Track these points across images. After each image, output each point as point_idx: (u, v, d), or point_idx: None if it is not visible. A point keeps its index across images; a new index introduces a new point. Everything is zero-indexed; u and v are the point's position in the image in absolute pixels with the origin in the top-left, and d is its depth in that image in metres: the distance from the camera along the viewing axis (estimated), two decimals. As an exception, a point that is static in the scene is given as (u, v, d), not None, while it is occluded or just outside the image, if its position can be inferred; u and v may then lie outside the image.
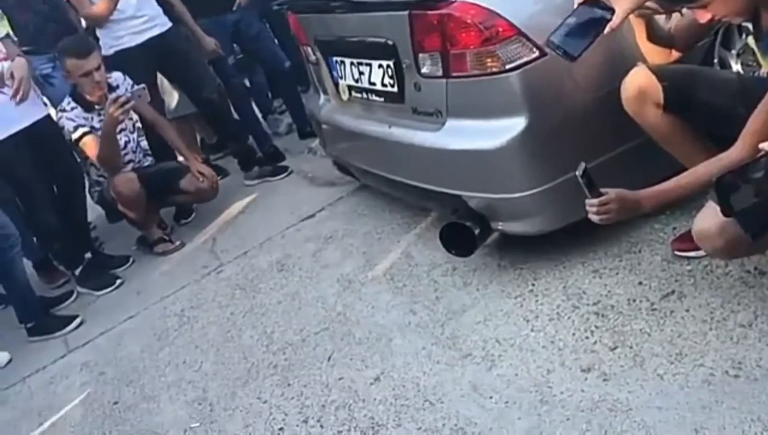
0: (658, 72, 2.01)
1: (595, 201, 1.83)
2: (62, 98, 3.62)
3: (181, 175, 3.80)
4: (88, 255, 3.64)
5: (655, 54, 2.09)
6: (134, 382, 2.72)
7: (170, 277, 3.45)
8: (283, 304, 2.85)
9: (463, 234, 2.45)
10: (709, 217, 1.65)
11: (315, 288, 2.87)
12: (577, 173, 1.80)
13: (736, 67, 2.50)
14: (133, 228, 3.82)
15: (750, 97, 1.91)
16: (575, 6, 1.81)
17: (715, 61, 2.42)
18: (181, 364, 2.71)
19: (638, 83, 2.02)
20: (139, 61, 3.75)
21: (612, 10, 1.74)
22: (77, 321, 3.31)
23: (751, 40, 1.91)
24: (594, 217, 1.87)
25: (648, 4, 1.88)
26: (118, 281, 3.55)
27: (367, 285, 2.76)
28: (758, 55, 1.87)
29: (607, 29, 1.76)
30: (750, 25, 1.85)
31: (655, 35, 2.06)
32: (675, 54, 2.08)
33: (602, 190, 1.83)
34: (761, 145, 1.21)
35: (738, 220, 1.60)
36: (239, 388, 2.45)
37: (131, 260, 3.74)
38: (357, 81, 2.81)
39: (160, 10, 3.87)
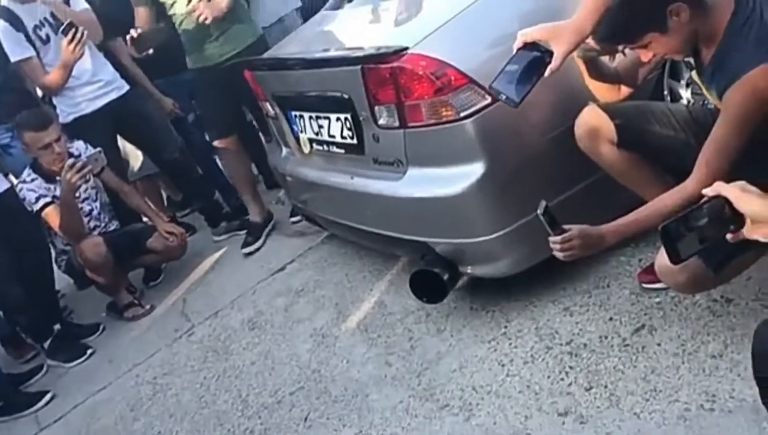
0: (610, 110, 2.04)
1: (558, 238, 1.83)
2: (22, 168, 3.58)
3: (148, 235, 3.78)
4: (57, 326, 3.56)
5: (604, 92, 2.12)
6: (109, 458, 2.66)
7: (141, 342, 3.39)
8: (256, 364, 2.80)
9: (432, 280, 2.45)
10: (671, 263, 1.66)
11: (288, 345, 2.83)
12: (538, 212, 1.81)
13: (686, 95, 2.55)
14: (102, 294, 3.75)
15: (700, 128, 1.95)
16: (515, 51, 1.82)
17: (666, 93, 2.46)
18: (157, 435, 2.66)
19: (590, 123, 2.05)
20: (97, 127, 3.73)
21: (551, 53, 1.76)
22: (48, 396, 3.22)
23: (694, 75, 1.95)
24: (558, 255, 1.87)
25: (589, 44, 1.92)
26: (89, 351, 3.47)
27: (341, 338, 2.74)
28: (703, 89, 1.91)
29: (547, 72, 1.77)
30: (692, 60, 1.89)
31: (600, 74, 2.09)
32: (624, 91, 2.11)
33: (565, 226, 1.84)
34: (704, 191, 1.22)
35: (699, 256, 1.61)
36: (216, 456, 2.40)
37: (101, 328, 3.67)
38: (317, 134, 2.82)
39: (116, 73, 3.86)
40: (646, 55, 1.80)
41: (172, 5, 3.52)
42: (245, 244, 3.76)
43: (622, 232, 1.87)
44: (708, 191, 1.21)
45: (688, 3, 1.67)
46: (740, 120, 1.67)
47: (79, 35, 3.45)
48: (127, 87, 3.89)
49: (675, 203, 1.73)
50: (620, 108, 2.08)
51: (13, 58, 3.59)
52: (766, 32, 1.64)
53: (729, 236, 1.22)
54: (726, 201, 1.20)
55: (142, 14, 3.74)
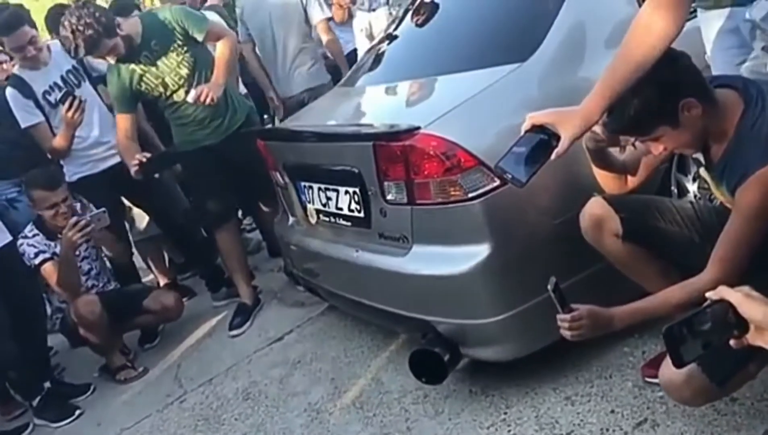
0: (615, 203, 2.05)
1: (567, 316, 1.82)
2: (26, 223, 3.59)
3: (145, 295, 3.76)
4: (48, 384, 3.49)
5: (611, 183, 2.13)
6: None
7: (132, 406, 3.32)
8: (248, 436, 2.74)
9: (432, 360, 2.41)
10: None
11: (281, 418, 2.77)
12: (548, 287, 1.79)
13: (693, 189, 2.58)
14: (94, 354, 3.70)
15: (704, 226, 1.95)
16: (522, 133, 1.84)
17: (673, 187, 2.48)
18: (140, 506, 2.57)
19: (595, 214, 2.06)
20: (101, 188, 3.76)
21: (558, 137, 1.77)
22: (32, 456, 3.14)
23: (703, 171, 1.97)
24: (566, 334, 1.85)
25: (598, 134, 1.94)
26: (78, 412, 3.39)
27: (335, 414, 2.67)
28: (711, 186, 1.92)
29: (553, 155, 1.78)
30: (701, 156, 1.91)
31: (607, 164, 2.11)
32: (631, 183, 2.12)
33: (573, 306, 1.83)
34: (708, 295, 1.21)
35: (703, 369, 1.60)
36: None
37: (92, 388, 3.59)
38: (325, 205, 2.84)
39: None
40: (656, 149, 1.82)
41: (169, 96, 3.52)
42: (232, 327, 3.69)
43: (631, 317, 1.86)
44: (712, 295, 1.19)
45: (700, 99, 1.70)
46: (753, 217, 1.68)
47: (76, 103, 3.52)
48: None
49: (687, 296, 1.72)
50: (626, 201, 2.09)
51: (23, 124, 3.69)
52: None
53: (732, 342, 1.19)
54: (730, 305, 1.18)
55: (123, 122, 3.54)
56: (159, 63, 3.45)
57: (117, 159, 3.83)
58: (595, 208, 2.07)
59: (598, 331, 1.84)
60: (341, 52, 4.90)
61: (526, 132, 1.83)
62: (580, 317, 1.81)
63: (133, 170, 3.39)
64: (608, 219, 2.04)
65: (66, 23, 3.20)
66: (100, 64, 3.89)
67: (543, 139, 1.79)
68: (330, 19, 4.81)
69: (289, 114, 4.27)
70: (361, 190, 2.56)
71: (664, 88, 1.68)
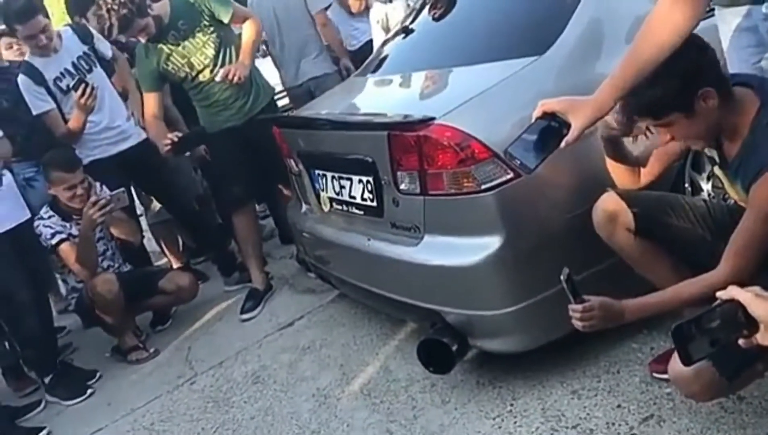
0: (628, 198, 2.05)
1: (578, 306, 1.83)
2: (42, 202, 3.63)
3: (160, 276, 3.81)
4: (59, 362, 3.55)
5: (624, 177, 2.13)
6: (97, 502, 2.60)
7: (142, 387, 3.36)
8: (256, 419, 2.76)
9: (441, 350, 2.42)
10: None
11: (290, 403, 2.80)
12: (561, 277, 1.80)
13: (707, 188, 2.57)
14: (106, 335, 3.74)
15: (717, 224, 1.95)
16: (533, 120, 1.83)
17: (686, 184, 2.47)
18: (148, 484, 2.61)
19: (608, 209, 2.06)
20: (111, 172, 3.81)
21: (568, 125, 1.77)
22: (44, 432, 3.19)
23: (717, 169, 1.96)
24: (577, 324, 1.86)
25: (610, 120, 1.93)
26: (89, 391, 3.44)
27: (343, 400, 2.70)
28: (725, 184, 1.92)
29: (563, 144, 1.77)
30: (715, 155, 1.91)
31: (620, 156, 2.10)
32: (644, 179, 2.12)
33: (585, 297, 1.84)
34: (718, 294, 1.21)
35: (713, 363, 1.60)
36: None
37: (98, 375, 3.61)
38: (338, 194, 2.85)
39: (132, 121, 3.96)
40: (664, 137, 1.81)
41: (195, 76, 3.61)
42: (243, 311, 3.73)
43: (642, 310, 1.87)
44: (722, 294, 1.20)
45: (718, 91, 1.70)
46: (766, 215, 1.68)
47: (89, 90, 3.56)
48: (144, 136, 3.97)
49: (699, 292, 1.72)
50: (639, 196, 2.09)
51: (34, 111, 3.73)
52: None
53: (741, 342, 1.20)
54: (740, 305, 1.18)
55: (151, 100, 3.70)
56: (186, 43, 3.55)
57: (128, 144, 3.91)
58: (608, 202, 2.07)
59: (609, 322, 1.85)
60: (339, 42, 4.92)
61: (537, 119, 1.82)
62: (592, 308, 1.82)
63: (164, 149, 3.51)
64: (621, 213, 2.04)
65: (101, 2, 3.32)
66: (108, 50, 3.95)
67: (554, 126, 1.78)
68: (328, 8, 4.84)
69: (295, 103, 4.30)
70: (375, 179, 2.57)
71: (687, 74, 1.67)
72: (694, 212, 2.05)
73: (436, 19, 3.26)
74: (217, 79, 3.51)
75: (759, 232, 1.71)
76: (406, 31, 3.46)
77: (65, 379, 3.49)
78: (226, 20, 3.58)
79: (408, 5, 4.77)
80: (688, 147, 2.05)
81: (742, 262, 1.72)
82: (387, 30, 4.87)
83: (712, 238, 1.93)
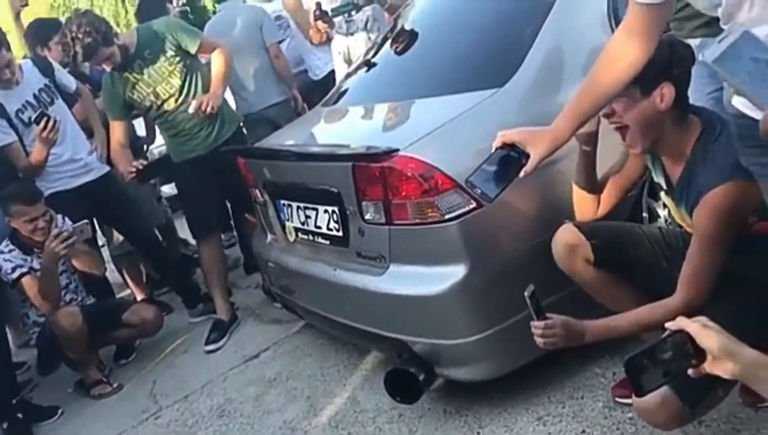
0: (586, 230, 2.10)
1: (541, 323, 1.87)
2: (1, 237, 3.57)
3: (124, 308, 3.76)
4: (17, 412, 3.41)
5: (586, 208, 2.18)
6: None
7: (106, 422, 3.29)
8: (222, 454, 2.74)
9: (408, 380, 2.43)
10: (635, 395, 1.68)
11: (256, 436, 2.78)
12: (525, 294, 1.84)
13: (664, 214, 2.63)
14: (69, 370, 3.67)
15: (672, 251, 2.01)
16: (493, 150, 1.87)
17: (644, 213, 2.54)
18: None
19: (567, 241, 2.11)
20: (74, 204, 3.76)
21: (527, 155, 1.81)
22: (2, 474, 3.10)
23: (664, 196, 2.04)
24: (539, 341, 1.90)
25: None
26: None
27: (310, 432, 2.68)
28: (672, 210, 1.98)
29: (521, 174, 1.81)
30: (662, 181, 1.98)
31: (589, 173, 2.14)
32: (602, 210, 2.17)
33: (548, 314, 1.88)
34: (667, 325, 1.25)
35: (676, 392, 1.63)
36: None
37: (60, 412, 3.51)
38: (303, 223, 2.86)
39: (95, 154, 3.94)
40: (617, 115, 1.85)
41: (160, 105, 3.63)
42: (208, 342, 3.70)
43: (603, 332, 1.92)
44: (671, 325, 1.23)
45: (677, 94, 1.78)
46: (710, 237, 1.75)
47: (51, 123, 3.52)
48: (106, 169, 3.96)
49: (657, 318, 1.75)
50: (596, 228, 2.14)
51: None
52: (728, 155, 1.72)
53: (691, 371, 1.23)
54: (689, 336, 1.22)
55: (118, 128, 3.74)
56: (151, 72, 3.58)
57: (90, 177, 3.88)
58: (566, 235, 2.11)
59: (570, 341, 1.89)
60: (290, 75, 4.98)
61: (497, 149, 1.85)
62: (554, 326, 1.86)
63: (128, 177, 3.54)
64: (580, 245, 2.08)
65: (66, 30, 3.38)
66: (71, 82, 3.94)
67: (513, 156, 1.82)
68: (281, 42, 4.92)
69: (251, 128, 4.32)
70: (340, 209, 2.59)
71: (658, 62, 1.67)
72: (649, 240, 2.11)
73: (399, 52, 3.31)
74: (190, 110, 3.52)
75: (705, 256, 1.77)
76: (370, 63, 3.51)
77: (19, 430, 3.34)
78: (193, 50, 3.61)
79: (369, 38, 4.84)
80: (643, 172, 2.11)
81: (693, 288, 1.78)
82: (349, 62, 4.94)
83: (668, 264, 1.98)
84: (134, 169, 3.52)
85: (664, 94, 1.79)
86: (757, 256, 1.81)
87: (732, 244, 1.77)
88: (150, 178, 3.97)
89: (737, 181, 1.70)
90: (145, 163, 3.60)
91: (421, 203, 2.29)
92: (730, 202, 1.71)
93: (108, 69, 3.61)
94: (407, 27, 3.43)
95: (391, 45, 3.41)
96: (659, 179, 2.00)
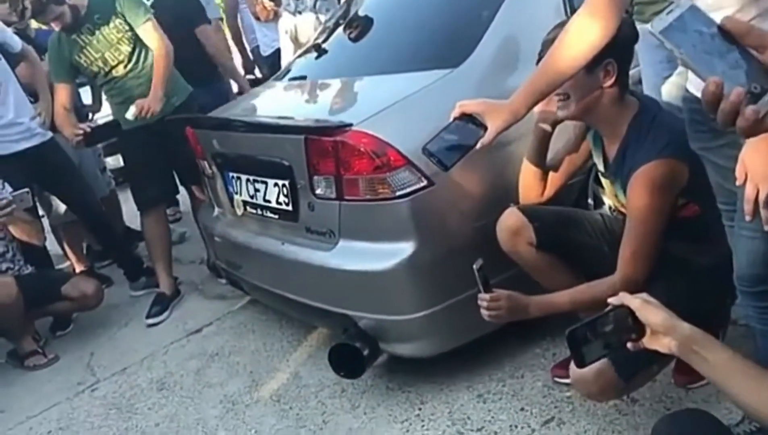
0: (529, 213, 2.14)
1: (487, 295, 1.92)
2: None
3: (63, 280, 3.65)
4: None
5: (531, 190, 2.21)
6: None
7: (40, 394, 3.20)
8: (160, 426, 2.69)
9: (352, 355, 2.44)
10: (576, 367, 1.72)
11: (196, 409, 2.74)
12: (474, 267, 1.87)
13: (609, 202, 2.70)
14: (4, 338, 3.56)
15: (613, 236, 2.06)
16: (451, 119, 1.87)
17: (590, 199, 2.59)
18: (42, 494, 2.49)
19: (511, 224, 2.15)
20: (15, 169, 3.62)
21: (485, 127, 1.82)
22: (-74, 444, 2.99)
23: (602, 178, 2.09)
24: (484, 313, 1.94)
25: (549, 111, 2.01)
26: None
27: (251, 407, 2.67)
28: (608, 192, 2.04)
29: (478, 145, 1.82)
30: (600, 161, 2.03)
31: (542, 154, 2.17)
32: (547, 193, 2.21)
33: (495, 289, 1.93)
34: (609, 300, 1.29)
35: (612, 363, 1.68)
36: None
37: None
38: (252, 197, 2.83)
39: (38, 120, 3.80)
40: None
41: (108, 72, 3.55)
42: (150, 315, 3.64)
43: (546, 307, 1.98)
44: (613, 300, 1.27)
45: (619, 73, 1.83)
46: (644, 212, 1.81)
47: None
48: (50, 135, 3.83)
49: (598, 294, 1.80)
50: (539, 212, 2.19)
51: None
52: (660, 135, 1.82)
53: (630, 345, 1.27)
54: (630, 311, 1.25)
55: (62, 91, 3.63)
56: (100, 37, 3.49)
57: (32, 143, 3.74)
58: (510, 218, 2.16)
59: (514, 315, 1.95)
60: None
61: (455, 119, 1.86)
62: (500, 298, 1.91)
63: (75, 140, 3.46)
64: (523, 229, 2.13)
65: None
66: (15, 42, 3.80)
67: (470, 128, 1.83)
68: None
69: None
70: (290, 183, 2.57)
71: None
72: (591, 226, 2.17)
73: (354, 29, 3.29)
74: (128, 116, 3.42)
75: (640, 232, 1.83)
76: (324, 39, 3.48)
77: None
78: (135, 27, 3.49)
79: (318, 18, 4.82)
80: (588, 157, 2.16)
81: (633, 265, 1.83)
82: (295, 41, 4.92)
83: (609, 249, 2.03)
84: (81, 132, 3.43)
85: (609, 70, 1.84)
86: (689, 240, 1.88)
87: (665, 221, 1.82)
88: (97, 142, 3.87)
89: (667, 158, 1.78)
90: (93, 126, 3.50)
91: (372, 179, 2.29)
92: (659, 177, 1.78)
93: (56, 29, 3.50)
94: (363, 5, 3.41)
95: (346, 22, 3.39)
96: (597, 160, 2.06)
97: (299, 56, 3.66)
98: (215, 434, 2.55)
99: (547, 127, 2.11)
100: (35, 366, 3.45)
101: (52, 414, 2.99)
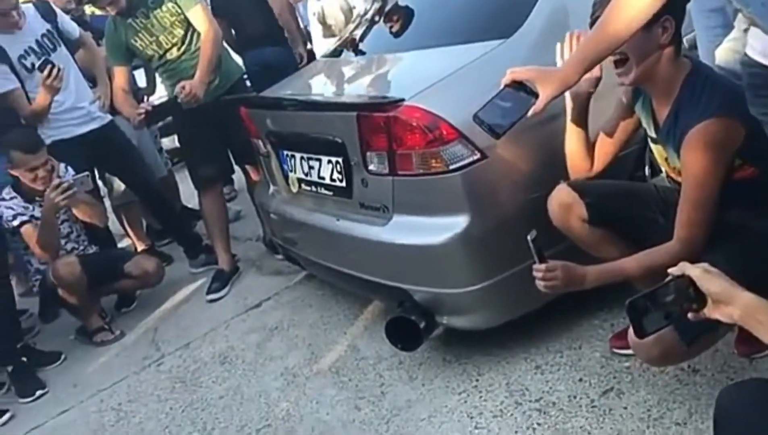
0: (580, 189, 2.11)
1: (542, 266, 1.90)
2: (3, 184, 3.57)
3: (126, 259, 3.79)
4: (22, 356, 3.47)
5: (579, 165, 2.18)
6: (65, 483, 2.60)
7: (108, 368, 3.35)
8: (224, 398, 2.78)
9: (408, 328, 2.47)
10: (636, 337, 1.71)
11: (258, 382, 2.82)
12: (528, 238, 1.85)
13: (665, 171, 2.64)
14: (71, 318, 3.72)
15: (666, 206, 2.02)
16: (502, 87, 1.86)
17: (647, 168, 2.54)
18: (116, 463, 2.61)
19: (562, 200, 2.12)
20: (76, 153, 3.76)
21: (536, 94, 1.80)
22: (6, 416, 3.15)
23: (652, 144, 2.05)
24: (539, 284, 1.92)
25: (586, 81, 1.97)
26: (39, 392, 3.28)
27: (311, 379, 2.73)
28: (659, 159, 2.00)
29: (530, 112, 1.80)
30: (651, 126, 1.99)
31: (580, 125, 2.14)
32: (597, 166, 2.18)
33: (550, 260, 1.90)
34: (670, 270, 1.27)
35: (675, 327, 1.66)
36: (176, 488, 2.36)
37: (63, 357, 3.58)
38: (307, 174, 2.87)
39: (98, 104, 3.93)
40: None
41: (162, 55, 3.61)
42: (210, 291, 3.74)
43: (604, 277, 1.94)
44: (674, 270, 1.26)
45: (675, 30, 1.79)
46: (698, 175, 1.77)
47: (55, 71, 3.51)
48: (109, 118, 3.96)
49: (657, 262, 1.78)
50: (590, 187, 2.15)
51: None
52: (715, 94, 1.77)
53: (690, 315, 1.26)
54: (690, 281, 1.24)
55: (120, 74, 3.73)
56: (154, 21, 3.56)
57: (92, 126, 3.88)
58: (561, 194, 2.13)
59: (570, 286, 1.92)
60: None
61: (506, 86, 1.84)
62: (555, 269, 1.88)
63: (136, 120, 3.53)
64: (574, 205, 2.10)
65: None
66: (74, 29, 3.91)
67: (522, 95, 1.81)
68: None
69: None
70: (344, 160, 2.59)
71: None
72: (644, 197, 2.13)
73: (403, 3, 3.28)
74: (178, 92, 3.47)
75: (697, 194, 1.79)
76: (374, 14, 3.48)
77: (22, 374, 3.39)
78: (186, 9, 3.54)
79: (346, 1, 4.85)
80: (636, 126, 2.11)
81: (691, 229, 1.80)
82: (324, 23, 4.95)
83: (664, 220, 2.00)
84: (143, 111, 3.50)
85: (666, 27, 1.79)
86: (746, 205, 1.83)
87: (722, 182, 1.78)
88: (157, 121, 3.98)
89: (721, 117, 1.73)
90: (154, 104, 3.60)
91: (425, 154, 2.30)
92: (714, 136, 1.74)
93: (112, 13, 3.58)
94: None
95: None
96: (647, 125, 2.01)
97: (347, 33, 3.66)
98: (277, 405, 2.63)
99: (592, 90, 2.07)
100: (103, 342, 3.60)
101: (121, 388, 3.12)
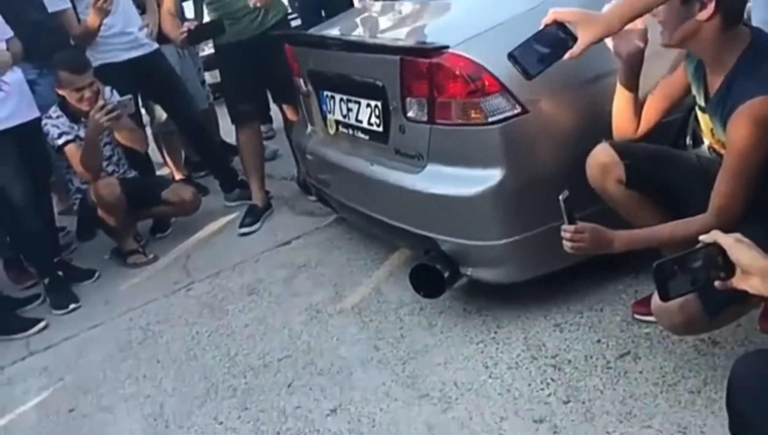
0: (621, 150, 2.09)
1: (571, 227, 1.90)
2: (45, 104, 3.64)
3: (164, 186, 3.87)
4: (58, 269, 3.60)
5: (624, 126, 2.14)
6: (92, 392, 2.71)
7: (140, 289, 3.46)
8: (249, 327, 2.87)
9: (432, 276, 2.50)
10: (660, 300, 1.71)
11: (283, 314, 2.90)
12: (560, 198, 1.85)
13: (708, 141, 2.60)
14: (106, 238, 3.83)
15: (706, 176, 1.99)
16: (542, 26, 1.82)
17: (689, 138, 2.51)
18: (141, 378, 2.72)
19: (601, 160, 2.09)
20: (121, 78, 3.81)
21: (575, 38, 1.76)
22: (41, 325, 3.29)
23: (699, 113, 2.00)
24: (567, 244, 1.92)
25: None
26: (72, 306, 3.42)
27: (334, 317, 2.80)
28: (705, 130, 1.96)
29: (567, 55, 1.77)
30: (701, 94, 1.95)
31: (631, 85, 2.10)
32: (641, 130, 2.14)
33: (579, 222, 1.91)
34: (701, 237, 1.27)
35: (699, 297, 1.66)
36: (197, 407, 2.46)
37: (97, 275, 3.71)
38: (345, 117, 2.88)
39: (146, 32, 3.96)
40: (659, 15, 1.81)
41: None
42: (242, 225, 3.81)
43: (633, 242, 1.93)
44: (705, 238, 1.25)
45: (719, 7, 1.71)
46: (742, 150, 1.74)
47: None
48: (156, 46, 4.00)
49: (689, 231, 1.77)
50: (631, 149, 2.12)
51: (50, 9, 3.70)
52: None
53: (717, 283, 1.25)
54: (721, 249, 1.24)
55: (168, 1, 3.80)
56: None
57: (139, 52, 3.93)
58: (601, 154, 2.10)
59: (597, 248, 1.92)
60: None
61: (546, 26, 1.81)
62: (583, 230, 1.88)
63: (180, 39, 3.57)
64: (613, 166, 2.07)
65: None
66: None
67: (560, 37, 1.77)
68: None
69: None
70: (383, 104, 2.60)
71: None
72: (685, 165, 2.10)
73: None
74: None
75: (737, 169, 1.76)
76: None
77: (58, 287, 3.52)
78: None
79: None
80: (685, 92, 2.07)
81: (727, 202, 1.78)
82: None
83: (702, 191, 1.97)
84: (186, 30, 3.52)
85: (705, 3, 1.71)
86: None
87: (765, 160, 1.75)
88: (200, 41, 4.05)
89: None
90: (197, 23, 3.63)
91: (465, 104, 2.29)
92: (766, 114, 1.69)
93: None
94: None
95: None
96: (697, 92, 1.96)
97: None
98: (299, 338, 2.70)
99: (641, 45, 2.02)
100: (136, 264, 3.71)
101: (150, 308, 3.23)
